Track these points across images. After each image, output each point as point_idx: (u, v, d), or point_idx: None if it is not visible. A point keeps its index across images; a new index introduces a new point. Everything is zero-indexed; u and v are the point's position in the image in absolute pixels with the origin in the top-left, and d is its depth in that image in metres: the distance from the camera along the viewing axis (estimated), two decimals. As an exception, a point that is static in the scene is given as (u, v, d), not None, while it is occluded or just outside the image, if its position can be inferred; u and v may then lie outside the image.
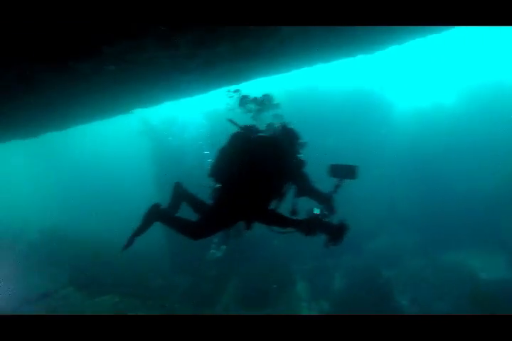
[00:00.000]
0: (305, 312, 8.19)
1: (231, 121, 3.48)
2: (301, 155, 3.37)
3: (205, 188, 3.59)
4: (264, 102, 3.80)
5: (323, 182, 3.32)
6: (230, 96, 4.25)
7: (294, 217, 3.19)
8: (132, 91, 5.94)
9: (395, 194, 13.11)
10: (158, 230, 12.94)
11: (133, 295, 7.23)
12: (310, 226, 3.09)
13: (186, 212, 3.65)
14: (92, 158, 26.54)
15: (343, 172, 3.16)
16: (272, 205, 3.27)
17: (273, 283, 9.07)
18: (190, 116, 15.36)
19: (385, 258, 10.81)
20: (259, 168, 3.09)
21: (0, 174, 25.12)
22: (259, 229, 3.38)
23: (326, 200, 3.32)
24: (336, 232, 3.06)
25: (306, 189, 3.38)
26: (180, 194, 3.84)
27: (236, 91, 4.24)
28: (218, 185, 3.33)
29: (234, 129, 3.43)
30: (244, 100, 3.88)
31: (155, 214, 3.54)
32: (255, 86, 7.86)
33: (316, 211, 3.18)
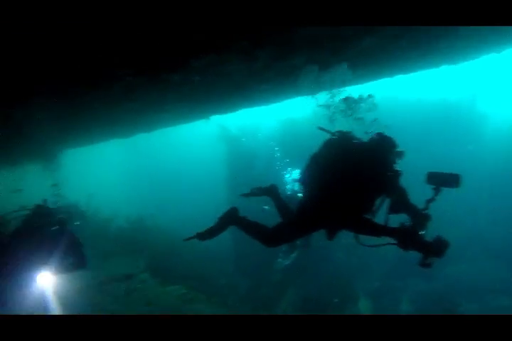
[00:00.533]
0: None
1: (322, 128, 3.32)
2: (397, 166, 3.09)
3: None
4: (368, 102, 3.71)
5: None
6: (331, 97, 4.10)
7: (388, 226, 2.92)
8: (212, 99, 6.48)
9: (480, 218, 11.75)
10: (227, 232, 13.56)
11: (198, 290, 7.72)
12: (405, 236, 2.84)
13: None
14: (174, 158, 29.13)
15: (443, 179, 2.90)
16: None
17: (334, 297, 8.83)
18: (266, 123, 15.90)
19: (462, 288, 9.73)
20: (352, 176, 2.92)
21: (99, 168, 28.96)
22: (322, 241, 3.26)
23: (422, 218, 2.97)
24: (435, 248, 2.78)
25: (401, 204, 3.06)
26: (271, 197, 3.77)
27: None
28: (303, 193, 3.25)
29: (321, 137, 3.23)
30: (348, 101, 3.78)
31: (232, 218, 3.48)
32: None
33: (407, 223, 2.91)
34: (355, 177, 2.93)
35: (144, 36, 2.99)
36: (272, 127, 15.97)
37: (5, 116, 4.63)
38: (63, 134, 7.00)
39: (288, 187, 7.34)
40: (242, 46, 3.54)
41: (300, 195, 6.61)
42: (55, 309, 4.67)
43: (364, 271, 10.27)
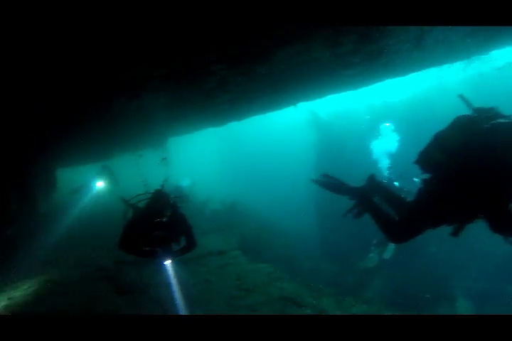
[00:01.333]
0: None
1: (462, 97, 2.83)
2: None
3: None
4: None
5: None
6: None
7: None
8: (299, 86, 6.60)
9: None
10: (310, 218, 13.68)
11: (284, 270, 8.13)
12: None
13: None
14: (265, 145, 30.24)
15: None
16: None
17: (425, 292, 8.30)
18: (355, 108, 15.29)
19: None
20: (489, 163, 2.46)
21: (198, 154, 31.87)
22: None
23: None
24: None
25: None
26: (373, 188, 3.44)
27: None
28: (425, 177, 2.83)
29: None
30: None
31: (366, 204, 3.26)
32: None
33: None
34: (494, 163, 2.45)
35: (233, 34, 3.31)
36: (364, 111, 15.28)
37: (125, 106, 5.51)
38: (169, 123, 8.05)
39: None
40: (326, 35, 3.59)
41: (396, 183, 6.24)
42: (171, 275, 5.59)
43: (462, 268, 9.33)
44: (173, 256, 4.32)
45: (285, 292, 6.13)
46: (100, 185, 11.30)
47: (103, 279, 5.81)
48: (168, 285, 5.58)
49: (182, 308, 5.34)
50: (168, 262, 4.34)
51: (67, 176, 12.11)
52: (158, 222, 4.19)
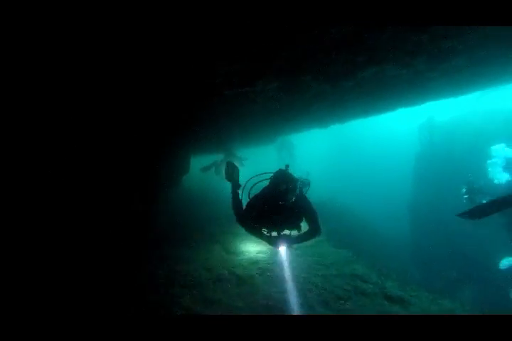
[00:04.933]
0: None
1: None
2: None
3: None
4: None
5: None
6: None
7: None
8: (395, 95, 7.43)
9: None
10: (404, 220, 13.74)
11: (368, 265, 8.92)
12: None
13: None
14: (372, 147, 29.96)
15: None
16: None
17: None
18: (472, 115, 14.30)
19: None
20: None
21: (310, 153, 33.55)
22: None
23: None
24: None
25: None
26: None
27: None
28: None
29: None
30: None
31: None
32: None
33: None
34: None
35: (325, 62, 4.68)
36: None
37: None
38: (280, 125, 9.83)
39: None
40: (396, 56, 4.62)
41: None
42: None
43: None
44: (293, 242, 4.09)
45: (356, 271, 7.12)
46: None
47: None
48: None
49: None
50: (282, 248, 4.09)
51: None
52: (281, 205, 3.90)
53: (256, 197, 4.18)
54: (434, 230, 11.60)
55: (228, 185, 4.67)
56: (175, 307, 4.82)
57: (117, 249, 6.31)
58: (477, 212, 3.69)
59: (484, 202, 7.42)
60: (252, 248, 8.55)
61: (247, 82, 5.00)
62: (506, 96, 12.00)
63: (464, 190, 8.11)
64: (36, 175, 4.20)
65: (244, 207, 4.17)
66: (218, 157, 12.74)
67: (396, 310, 5.05)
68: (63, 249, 4.80)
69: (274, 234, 4.12)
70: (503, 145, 8.97)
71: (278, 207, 3.91)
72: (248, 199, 4.28)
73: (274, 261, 7.46)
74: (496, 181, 8.22)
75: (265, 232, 4.14)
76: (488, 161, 8.75)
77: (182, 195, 12.08)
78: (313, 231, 4.06)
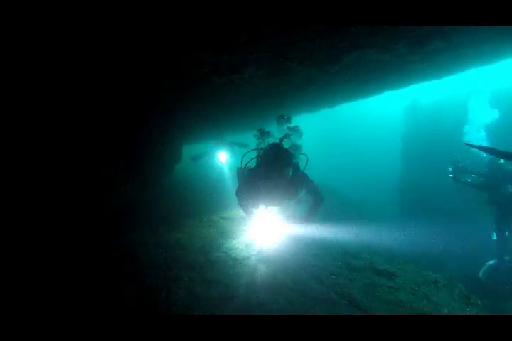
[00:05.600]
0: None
1: None
2: None
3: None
4: None
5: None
6: None
7: None
8: (380, 78, 7.60)
9: None
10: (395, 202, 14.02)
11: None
12: None
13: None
14: (360, 130, 30.40)
15: None
16: None
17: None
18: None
19: None
20: None
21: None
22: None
23: None
24: None
25: None
26: None
27: None
28: None
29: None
30: None
31: None
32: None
33: None
34: None
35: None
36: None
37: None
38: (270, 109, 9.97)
39: None
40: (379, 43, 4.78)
41: None
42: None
43: None
44: (305, 219, 4.06)
45: (347, 249, 7.51)
46: (223, 157, 11.80)
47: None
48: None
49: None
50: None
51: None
52: (277, 182, 3.89)
53: (251, 172, 4.16)
54: (423, 210, 12.07)
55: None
56: (175, 288, 5.05)
57: (109, 236, 6.41)
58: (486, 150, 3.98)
59: (469, 180, 7.80)
60: (248, 233, 8.83)
61: (235, 70, 5.12)
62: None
63: (450, 170, 8.44)
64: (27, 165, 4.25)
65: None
66: (209, 145, 12.78)
67: (383, 282, 5.39)
68: (55, 235, 4.85)
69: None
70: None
71: (275, 182, 3.88)
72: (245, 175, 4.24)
73: (269, 244, 7.75)
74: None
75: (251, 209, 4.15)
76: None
77: (175, 183, 12.24)
78: (317, 201, 4.10)
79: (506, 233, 7.47)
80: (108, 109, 5.70)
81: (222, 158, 11.94)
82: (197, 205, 10.88)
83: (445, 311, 4.48)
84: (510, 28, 4.70)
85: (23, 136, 4.04)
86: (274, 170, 3.86)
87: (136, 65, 4.39)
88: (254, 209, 4.31)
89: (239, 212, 8.21)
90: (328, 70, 5.65)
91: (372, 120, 32.50)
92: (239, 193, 4.30)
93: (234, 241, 7.82)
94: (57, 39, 3.15)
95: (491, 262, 7.81)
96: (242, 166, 4.62)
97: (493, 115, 10.12)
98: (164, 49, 3.85)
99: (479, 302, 5.30)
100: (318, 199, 4.18)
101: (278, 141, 4.31)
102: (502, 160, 7.58)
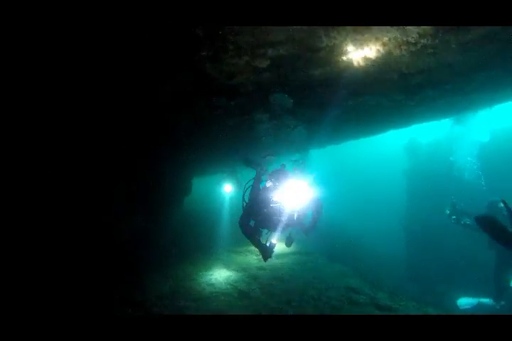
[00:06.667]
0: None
1: None
2: None
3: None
4: None
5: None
6: None
7: None
8: (381, 120, 8.15)
9: None
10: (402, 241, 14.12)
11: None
12: None
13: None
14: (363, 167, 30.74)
15: None
16: None
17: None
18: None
19: None
20: None
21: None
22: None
23: None
24: None
25: None
26: None
27: None
28: None
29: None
30: None
31: None
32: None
33: None
34: None
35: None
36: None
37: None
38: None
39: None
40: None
41: None
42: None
43: None
44: (307, 231, 4.15)
45: (350, 284, 7.53)
46: (228, 189, 12.12)
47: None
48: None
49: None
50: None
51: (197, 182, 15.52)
52: (279, 208, 3.90)
53: (253, 199, 4.15)
54: (428, 246, 12.06)
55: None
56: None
57: (120, 265, 6.63)
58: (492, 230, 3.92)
59: (469, 223, 7.85)
60: (254, 265, 8.99)
61: (245, 112, 5.71)
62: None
63: (448, 212, 8.51)
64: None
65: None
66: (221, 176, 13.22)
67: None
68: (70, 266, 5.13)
69: (274, 240, 4.12)
70: None
71: (276, 209, 3.90)
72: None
73: (273, 277, 7.90)
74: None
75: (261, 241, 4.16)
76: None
77: (184, 215, 12.58)
78: (319, 213, 4.19)
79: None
80: (124, 143, 6.19)
81: (229, 190, 12.24)
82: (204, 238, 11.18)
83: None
84: (492, 80, 5.25)
85: (40, 170, 4.34)
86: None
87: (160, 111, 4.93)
88: (259, 238, 4.37)
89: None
90: (331, 113, 6.22)
91: (373, 157, 33.10)
92: (243, 222, 4.24)
93: (240, 274, 8.02)
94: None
95: (486, 300, 7.62)
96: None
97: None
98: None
99: None
100: (319, 211, 4.31)
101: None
102: (501, 204, 7.68)
